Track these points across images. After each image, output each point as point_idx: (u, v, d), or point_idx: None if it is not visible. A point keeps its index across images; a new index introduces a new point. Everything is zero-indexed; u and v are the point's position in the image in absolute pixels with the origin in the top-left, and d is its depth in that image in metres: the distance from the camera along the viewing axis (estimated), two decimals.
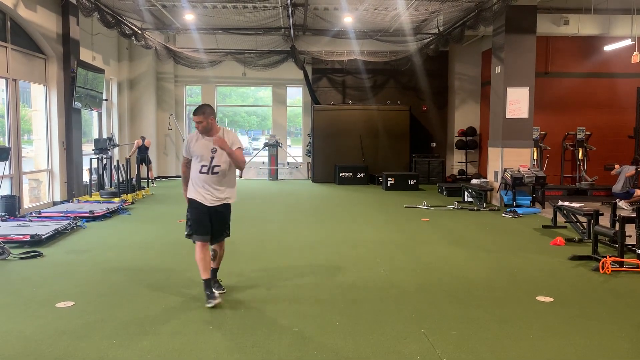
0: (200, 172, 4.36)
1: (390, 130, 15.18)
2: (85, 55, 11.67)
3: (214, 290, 4.37)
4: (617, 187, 10.09)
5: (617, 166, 10.38)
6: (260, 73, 15.50)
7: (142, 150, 13.65)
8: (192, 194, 4.41)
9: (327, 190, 13.24)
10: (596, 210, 6.65)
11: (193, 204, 4.40)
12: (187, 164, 4.53)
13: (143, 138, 13.83)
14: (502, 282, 5.05)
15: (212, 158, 4.35)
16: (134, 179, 11.60)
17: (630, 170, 9.98)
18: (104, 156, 11.29)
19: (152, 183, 14.03)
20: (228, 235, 4.64)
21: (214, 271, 4.61)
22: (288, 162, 16.49)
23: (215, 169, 4.36)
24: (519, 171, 9.97)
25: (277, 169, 15.88)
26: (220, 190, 4.44)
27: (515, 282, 5.06)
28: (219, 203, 4.44)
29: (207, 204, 4.37)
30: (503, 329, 3.82)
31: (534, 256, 6.15)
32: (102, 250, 6.33)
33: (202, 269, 4.34)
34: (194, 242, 4.40)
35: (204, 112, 4.36)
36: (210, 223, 4.40)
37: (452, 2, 10.10)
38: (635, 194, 9.90)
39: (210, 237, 4.42)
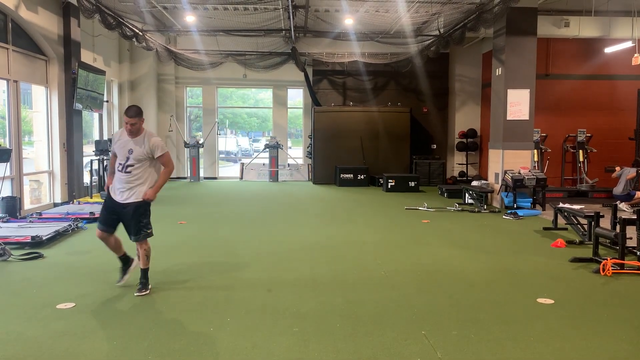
0: (117, 169, 4.61)
1: (391, 131, 15.18)
2: (86, 56, 11.68)
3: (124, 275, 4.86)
4: (618, 190, 10.08)
5: (617, 168, 10.37)
6: (261, 75, 15.53)
7: None
8: (110, 186, 4.71)
9: (328, 192, 13.25)
10: (597, 212, 6.65)
11: (107, 196, 4.72)
12: (114, 157, 4.73)
13: None
14: (502, 284, 5.04)
15: (128, 158, 4.55)
16: None
17: (631, 172, 9.98)
18: (105, 157, 11.31)
19: None
20: (147, 234, 4.72)
21: (144, 271, 4.74)
22: (289, 164, 16.50)
23: (129, 169, 4.55)
24: (519, 173, 9.96)
25: (277, 171, 15.88)
26: (130, 189, 4.58)
27: (515, 284, 5.06)
28: (128, 201, 4.58)
29: (117, 199, 4.60)
30: (503, 331, 3.82)
31: (535, 258, 6.15)
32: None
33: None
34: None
35: (138, 113, 4.53)
36: (116, 218, 4.67)
37: (452, 4, 10.11)
38: (635, 196, 9.90)
39: (109, 229, 4.69)
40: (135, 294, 4.59)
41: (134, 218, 4.59)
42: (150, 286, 4.74)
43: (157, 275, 5.28)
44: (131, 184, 4.57)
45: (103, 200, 4.81)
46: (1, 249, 5.89)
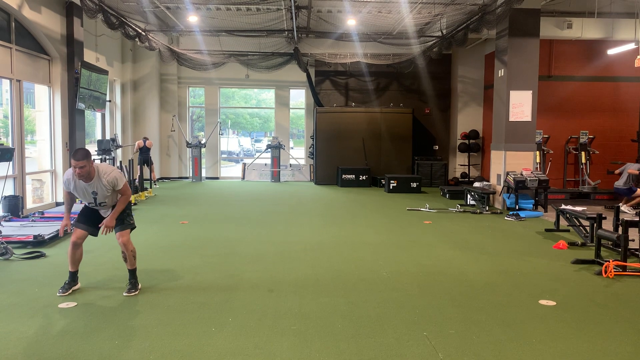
0: (88, 206, 4.72)
1: (393, 132, 15.18)
2: (89, 56, 11.70)
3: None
4: (620, 183, 10.07)
5: (621, 164, 10.41)
6: (264, 75, 15.54)
7: (144, 152, 13.62)
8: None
9: (330, 193, 13.25)
10: (599, 214, 6.64)
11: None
12: (70, 195, 4.70)
13: (145, 139, 13.80)
14: (504, 286, 5.04)
15: (95, 199, 4.59)
16: (137, 181, 11.62)
17: (633, 168, 9.95)
18: (107, 157, 11.32)
19: (155, 184, 14.04)
20: (130, 224, 4.77)
21: (132, 271, 4.77)
22: (290, 164, 16.51)
23: (102, 205, 4.66)
24: (521, 174, 9.95)
25: (279, 171, 15.89)
26: (108, 211, 4.73)
27: (517, 285, 5.05)
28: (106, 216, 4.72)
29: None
30: (505, 333, 3.81)
31: (537, 260, 6.14)
32: (104, 251, 6.34)
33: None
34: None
35: (85, 156, 4.37)
36: (97, 218, 4.73)
37: (455, 5, 10.10)
38: (636, 192, 9.87)
39: (90, 228, 4.71)
40: (124, 294, 4.61)
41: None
42: (139, 286, 4.76)
43: (159, 275, 5.29)
44: (109, 208, 4.72)
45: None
46: (3, 247, 5.90)
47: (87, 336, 3.67)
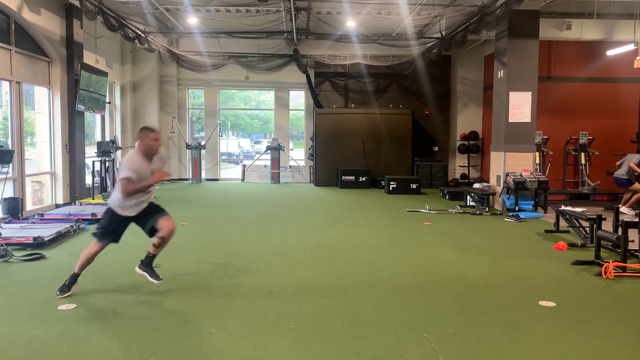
0: (124, 218, 4.65)
1: (393, 134, 15.18)
2: (88, 58, 11.71)
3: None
4: (620, 172, 10.07)
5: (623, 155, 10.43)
6: (263, 76, 15.54)
7: None
8: (127, 212, 4.61)
9: (329, 194, 13.25)
10: (599, 214, 6.64)
11: (117, 220, 4.66)
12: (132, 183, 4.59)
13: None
14: (504, 287, 5.04)
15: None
16: None
17: (633, 159, 9.95)
18: (107, 159, 11.32)
19: None
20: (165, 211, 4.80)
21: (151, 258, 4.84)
22: (290, 166, 16.51)
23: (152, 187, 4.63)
24: (521, 175, 9.96)
25: (279, 172, 15.89)
26: (149, 196, 4.77)
27: (517, 286, 5.05)
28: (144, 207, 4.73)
29: (130, 214, 4.65)
30: (505, 334, 3.81)
31: (536, 261, 6.14)
32: (104, 253, 6.29)
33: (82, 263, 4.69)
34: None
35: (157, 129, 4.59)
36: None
37: (454, 6, 10.11)
38: (634, 186, 9.87)
39: (116, 240, 4.74)
40: (152, 280, 4.73)
41: (153, 207, 4.75)
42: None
43: (160, 276, 5.28)
44: (151, 194, 4.75)
45: (108, 216, 4.67)
46: (3, 250, 5.90)
47: (87, 338, 3.66)
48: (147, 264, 4.82)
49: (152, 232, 4.71)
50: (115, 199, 4.59)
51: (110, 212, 4.63)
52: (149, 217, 4.68)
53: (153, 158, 4.60)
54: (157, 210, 4.76)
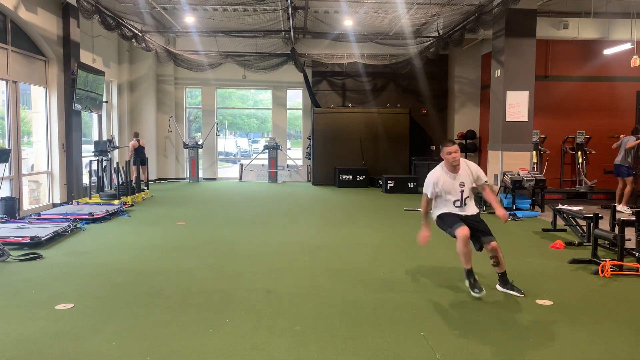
0: (453, 206, 4.74)
1: (390, 133, 15.19)
2: (85, 57, 11.68)
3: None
4: (619, 159, 10.07)
5: (621, 136, 10.36)
6: (261, 76, 15.53)
7: (140, 151, 13.57)
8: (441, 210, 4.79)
9: (327, 193, 13.25)
10: (596, 213, 6.64)
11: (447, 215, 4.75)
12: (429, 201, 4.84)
13: (137, 138, 13.69)
14: None
15: (462, 191, 4.73)
16: (134, 181, 11.59)
17: (630, 141, 9.95)
18: (104, 158, 11.30)
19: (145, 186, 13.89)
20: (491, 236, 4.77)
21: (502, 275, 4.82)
22: (288, 165, 16.51)
23: (467, 199, 4.75)
24: (518, 174, 9.97)
25: (276, 172, 15.89)
26: (470, 208, 4.84)
27: (514, 285, 5.05)
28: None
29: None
30: (503, 332, 3.82)
31: (534, 259, 6.15)
32: (101, 252, 6.32)
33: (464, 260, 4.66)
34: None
35: (455, 142, 4.79)
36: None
37: (452, 5, 10.11)
38: (627, 179, 9.87)
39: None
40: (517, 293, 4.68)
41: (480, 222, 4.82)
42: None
43: (156, 276, 5.28)
44: (470, 207, 4.83)
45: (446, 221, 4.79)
46: (0, 249, 5.88)
47: (85, 337, 3.66)
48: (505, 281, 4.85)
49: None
50: None
51: None
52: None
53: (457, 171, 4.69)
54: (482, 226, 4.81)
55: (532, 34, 10.21)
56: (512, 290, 4.72)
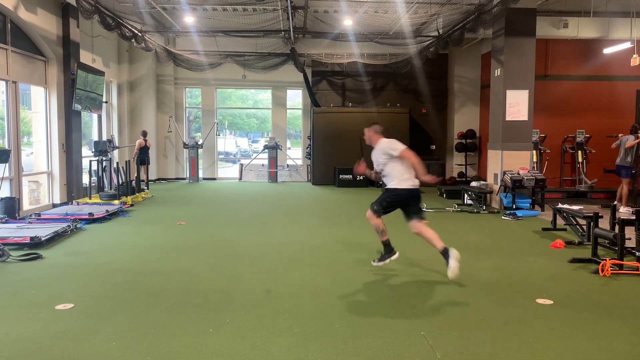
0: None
1: (390, 132, 14.92)
2: (85, 57, 11.68)
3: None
4: (620, 159, 10.06)
5: (619, 135, 10.34)
6: (260, 75, 15.53)
7: (144, 151, 13.56)
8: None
9: (327, 193, 13.24)
10: (596, 212, 6.65)
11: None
12: None
13: (145, 137, 13.67)
14: (501, 285, 5.05)
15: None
16: (134, 181, 11.59)
17: (629, 140, 9.94)
18: (104, 158, 11.29)
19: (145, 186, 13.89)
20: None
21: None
22: (288, 165, 16.50)
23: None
24: (518, 174, 9.97)
25: (276, 172, 15.88)
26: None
27: (514, 284, 5.06)
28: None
29: None
30: (503, 332, 3.82)
31: (534, 259, 6.15)
32: (101, 253, 6.32)
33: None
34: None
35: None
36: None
37: (452, 5, 10.11)
38: (624, 180, 9.87)
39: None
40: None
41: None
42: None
43: (156, 276, 5.28)
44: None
45: None
46: (0, 249, 5.88)
47: (85, 337, 3.66)
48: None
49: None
50: None
51: None
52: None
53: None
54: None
55: (532, 33, 10.21)
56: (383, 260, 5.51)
